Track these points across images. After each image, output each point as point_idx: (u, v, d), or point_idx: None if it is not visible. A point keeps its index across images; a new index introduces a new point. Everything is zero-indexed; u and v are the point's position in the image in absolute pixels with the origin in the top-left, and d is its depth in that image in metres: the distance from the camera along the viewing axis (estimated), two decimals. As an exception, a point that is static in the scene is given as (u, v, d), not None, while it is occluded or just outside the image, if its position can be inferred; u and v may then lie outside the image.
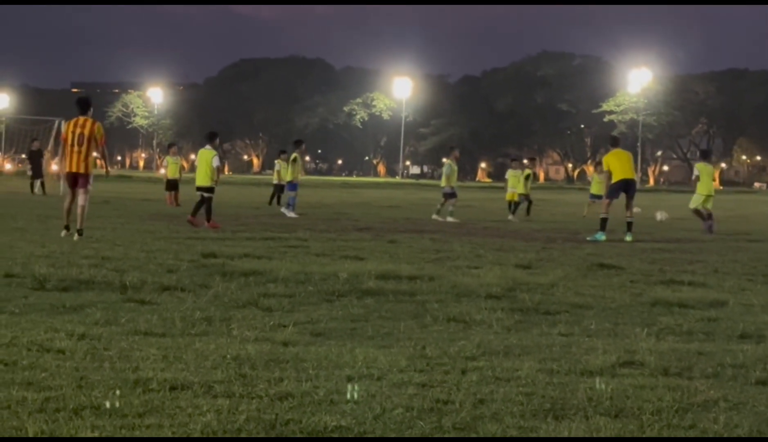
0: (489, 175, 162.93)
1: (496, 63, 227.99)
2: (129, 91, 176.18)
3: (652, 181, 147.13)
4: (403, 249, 17.34)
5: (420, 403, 5.94)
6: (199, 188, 22.98)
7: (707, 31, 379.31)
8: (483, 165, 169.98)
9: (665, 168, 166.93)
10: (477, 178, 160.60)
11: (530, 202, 32.84)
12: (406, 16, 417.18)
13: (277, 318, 9.04)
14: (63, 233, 17.79)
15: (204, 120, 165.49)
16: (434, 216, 29.78)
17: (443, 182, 30.64)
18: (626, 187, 22.58)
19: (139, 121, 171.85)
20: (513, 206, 32.39)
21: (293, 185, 30.34)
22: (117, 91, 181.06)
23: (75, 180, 17.99)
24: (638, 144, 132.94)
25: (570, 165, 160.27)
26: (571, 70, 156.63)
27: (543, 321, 9.25)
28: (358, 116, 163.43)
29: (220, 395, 6.04)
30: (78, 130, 17.96)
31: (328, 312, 9.54)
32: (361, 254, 15.71)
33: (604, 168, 23.17)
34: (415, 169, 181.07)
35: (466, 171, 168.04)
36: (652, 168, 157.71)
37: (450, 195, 30.05)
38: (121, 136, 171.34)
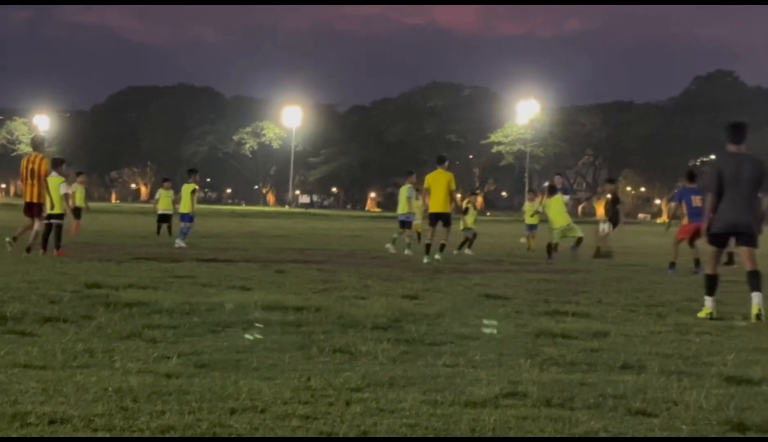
0: (379, 205, 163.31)
1: (386, 93, 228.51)
2: (14, 117, 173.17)
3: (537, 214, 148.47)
4: (290, 279, 17.30)
5: (303, 435, 5.92)
6: (49, 216, 22.60)
7: (593, 64, 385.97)
8: (373, 194, 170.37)
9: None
10: (366, 208, 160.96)
11: (474, 236, 31.54)
12: (296, 45, 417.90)
13: (161, 350, 8.93)
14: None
15: (91, 148, 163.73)
16: (388, 245, 29.33)
17: (401, 208, 29.83)
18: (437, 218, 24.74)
19: (24, 148, 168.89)
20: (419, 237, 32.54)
21: (190, 217, 29.98)
22: (1, 117, 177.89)
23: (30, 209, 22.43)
24: (526, 175, 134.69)
25: (458, 195, 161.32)
26: (460, 101, 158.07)
27: (428, 352, 9.27)
28: (247, 145, 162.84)
29: (101, 428, 5.94)
30: (30, 166, 22.23)
31: (213, 343, 9.45)
32: (248, 284, 15.63)
33: (425, 186, 25.02)
34: (305, 199, 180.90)
35: (356, 200, 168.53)
36: (539, 198, 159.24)
37: (406, 223, 29.40)
38: (6, 164, 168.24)
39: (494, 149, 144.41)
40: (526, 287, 17.21)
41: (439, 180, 24.85)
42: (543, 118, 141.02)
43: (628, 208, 29.36)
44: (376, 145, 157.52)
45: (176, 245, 28.02)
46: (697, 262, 22.32)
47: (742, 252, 13.92)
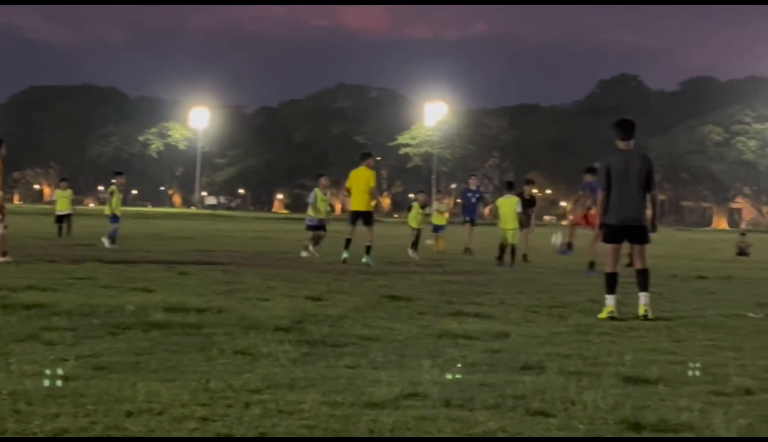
0: (286, 207, 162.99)
1: (294, 95, 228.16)
2: None
3: (446, 214, 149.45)
4: (193, 281, 17.16)
5: (201, 437, 5.87)
6: None
7: (500, 67, 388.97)
8: (280, 196, 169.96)
9: (459, 201, 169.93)
10: (273, 209, 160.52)
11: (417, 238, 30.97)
12: (202, 46, 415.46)
13: (58, 352, 8.78)
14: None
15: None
16: (304, 253, 28.23)
17: (309, 212, 29.45)
18: (357, 216, 25.09)
19: None
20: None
21: (115, 218, 29.78)
22: None
23: None
24: (433, 176, 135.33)
25: (378, 196, 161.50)
26: (368, 103, 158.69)
27: (330, 353, 9.24)
28: (153, 146, 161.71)
29: (-8, 432, 5.83)
30: None
31: (112, 345, 9.32)
32: (150, 286, 15.45)
33: (347, 185, 25.20)
34: (212, 200, 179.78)
35: (263, 202, 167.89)
36: (447, 200, 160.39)
37: (314, 227, 28.88)
38: None
39: (402, 151, 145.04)
40: (430, 289, 17.26)
41: (360, 177, 24.87)
42: (450, 121, 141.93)
43: (535, 211, 29.66)
44: (284, 146, 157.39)
45: (105, 246, 27.96)
46: (592, 264, 22.64)
47: (633, 250, 14.11)
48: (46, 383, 7.26)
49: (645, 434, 6.30)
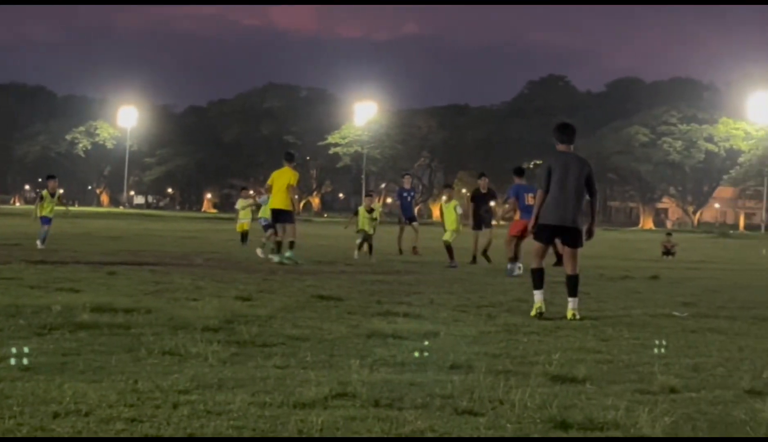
0: (215, 206, 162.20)
1: (223, 94, 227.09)
2: None
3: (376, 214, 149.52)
4: (121, 281, 17.03)
5: (128, 437, 5.84)
6: None
7: (430, 67, 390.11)
8: (209, 195, 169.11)
9: (389, 200, 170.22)
10: (203, 209, 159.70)
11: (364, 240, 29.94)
12: (131, 45, 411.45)
13: (-17, 353, 8.68)
14: None
15: None
16: (259, 250, 27.79)
17: (261, 213, 29.17)
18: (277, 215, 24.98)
19: None
20: (243, 237, 32.22)
21: (47, 219, 29.46)
22: None
23: None
24: (363, 176, 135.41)
25: (296, 196, 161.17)
26: (298, 102, 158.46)
27: (259, 353, 9.22)
28: (81, 145, 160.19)
29: None
30: None
31: (38, 346, 9.22)
32: (78, 286, 15.30)
33: (268, 183, 25.23)
34: (140, 200, 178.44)
35: (192, 201, 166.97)
36: (377, 200, 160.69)
37: (270, 226, 28.01)
38: None
39: (331, 151, 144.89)
40: (360, 288, 17.28)
41: (282, 177, 24.82)
42: (380, 121, 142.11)
43: (464, 211, 29.64)
44: (213, 146, 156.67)
45: (38, 247, 27.73)
46: (512, 260, 22.84)
47: (565, 253, 14.16)
48: (-29, 384, 7.18)
49: (572, 433, 6.36)
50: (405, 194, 34.35)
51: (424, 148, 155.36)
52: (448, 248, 26.65)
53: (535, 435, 6.27)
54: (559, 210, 13.81)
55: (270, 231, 27.82)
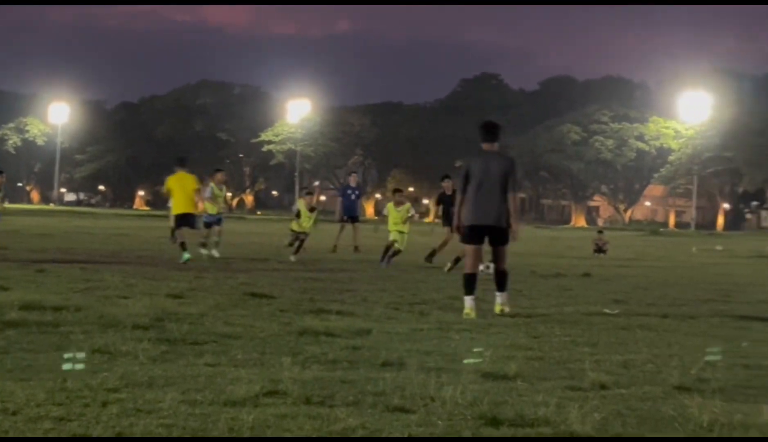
0: (147, 203, 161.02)
1: (156, 91, 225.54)
2: None
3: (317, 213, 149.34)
4: (50, 279, 16.84)
5: (56, 437, 5.77)
6: None
7: (364, 65, 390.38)
8: (141, 193, 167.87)
9: (323, 198, 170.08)
10: (135, 206, 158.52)
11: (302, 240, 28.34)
12: (61, 40, 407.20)
13: None
14: None
15: None
16: (202, 250, 26.27)
17: (206, 208, 27.09)
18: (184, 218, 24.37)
19: None
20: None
21: None
22: None
23: None
24: (296, 174, 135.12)
25: (229, 194, 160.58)
26: (231, 99, 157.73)
27: (190, 351, 9.17)
28: (10, 141, 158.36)
29: None
30: None
31: (-35, 345, 9.10)
32: (6, 284, 15.08)
33: (165, 189, 24.82)
34: (71, 197, 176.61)
35: (124, 198, 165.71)
36: (311, 199, 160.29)
37: (212, 223, 27.41)
38: None
39: (265, 148, 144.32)
40: (293, 286, 17.24)
41: (185, 182, 24.54)
42: (314, 118, 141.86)
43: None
44: (145, 142, 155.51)
45: None
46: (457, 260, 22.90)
47: (493, 252, 14.07)
48: None
49: (502, 430, 6.39)
50: (350, 192, 34.17)
51: (357, 146, 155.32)
52: (388, 248, 26.61)
53: (466, 432, 6.28)
54: (481, 210, 13.75)
55: (208, 230, 27.36)
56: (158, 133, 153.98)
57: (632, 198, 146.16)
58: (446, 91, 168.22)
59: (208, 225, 27.45)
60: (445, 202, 26.95)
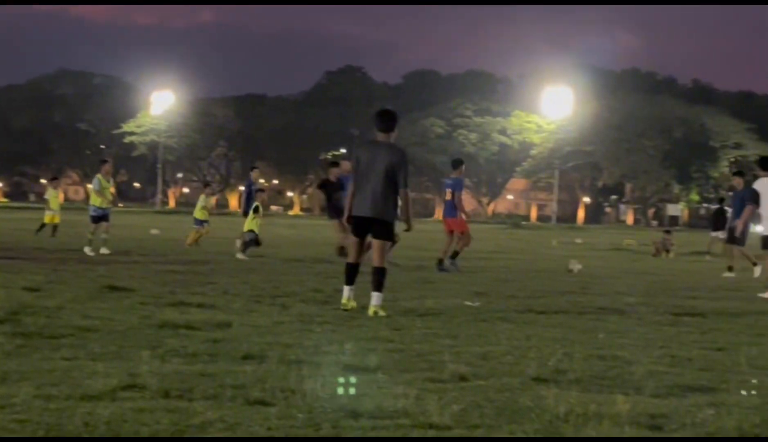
0: (5, 195, 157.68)
1: (13, 80, 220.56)
2: None
3: (172, 203, 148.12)
4: None
5: None
6: None
7: (227, 56, 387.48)
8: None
9: (186, 190, 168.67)
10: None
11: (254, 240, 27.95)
12: None
13: None
14: None
15: None
16: (86, 248, 24.99)
17: (92, 201, 26.50)
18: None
19: None
20: (52, 229, 31.34)
21: None
22: None
23: None
24: (159, 166, 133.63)
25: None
26: (91, 89, 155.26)
27: (46, 345, 8.99)
28: None
29: None
30: None
31: None
32: None
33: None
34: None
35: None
36: (173, 190, 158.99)
37: (99, 218, 26.02)
38: None
39: (127, 139, 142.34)
40: (153, 279, 17.05)
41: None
42: (177, 110, 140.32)
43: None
44: (2, 133, 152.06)
45: None
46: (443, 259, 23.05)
47: (372, 245, 13.67)
48: None
49: (362, 422, 6.39)
50: (254, 187, 33.73)
51: (221, 138, 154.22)
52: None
53: (326, 424, 6.27)
54: (366, 201, 13.34)
55: (96, 226, 26.09)
56: (16, 123, 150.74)
57: (495, 191, 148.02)
58: (311, 83, 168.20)
59: (96, 220, 26.16)
60: (329, 190, 26.84)
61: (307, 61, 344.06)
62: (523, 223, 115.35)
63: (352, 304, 13.30)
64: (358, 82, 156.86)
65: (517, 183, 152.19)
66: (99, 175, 26.73)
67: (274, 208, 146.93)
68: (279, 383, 7.42)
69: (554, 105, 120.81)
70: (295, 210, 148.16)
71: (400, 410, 6.66)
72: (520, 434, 6.17)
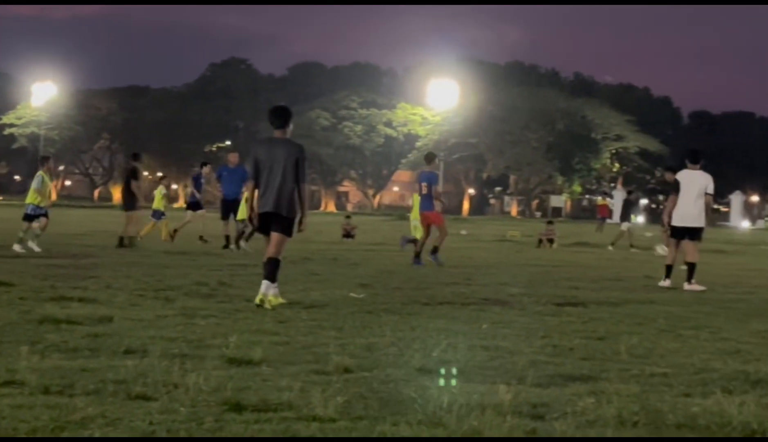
0: None
1: None
2: None
3: (54, 196, 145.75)
4: None
5: None
6: None
7: (109, 47, 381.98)
8: None
9: (68, 183, 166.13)
10: None
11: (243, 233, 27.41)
12: None
13: None
14: None
15: None
16: (16, 246, 23.48)
17: (30, 199, 24.75)
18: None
19: None
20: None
21: None
22: None
23: None
24: (40, 158, 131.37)
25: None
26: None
27: None
28: None
29: None
30: None
31: None
32: None
33: None
34: None
35: None
36: (55, 183, 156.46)
37: (34, 216, 24.44)
38: None
39: (6, 131, 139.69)
40: (33, 273, 16.75)
41: None
42: (59, 101, 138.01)
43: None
44: None
45: None
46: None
47: (271, 238, 13.62)
48: None
49: (246, 415, 6.37)
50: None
51: (104, 130, 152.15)
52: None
53: (209, 418, 6.23)
54: (266, 197, 13.49)
55: (29, 224, 24.33)
56: None
57: (381, 183, 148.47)
58: (195, 75, 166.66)
59: (29, 218, 24.44)
60: (200, 184, 26.63)
61: (191, 54, 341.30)
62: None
63: (276, 300, 13.14)
64: (242, 74, 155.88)
65: (403, 175, 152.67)
66: (42, 172, 25.05)
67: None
68: (161, 377, 7.36)
69: (439, 97, 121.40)
70: (180, 203, 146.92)
71: (284, 403, 6.65)
72: (403, 426, 6.20)
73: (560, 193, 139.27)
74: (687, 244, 19.55)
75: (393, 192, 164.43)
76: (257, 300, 13.00)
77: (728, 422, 6.46)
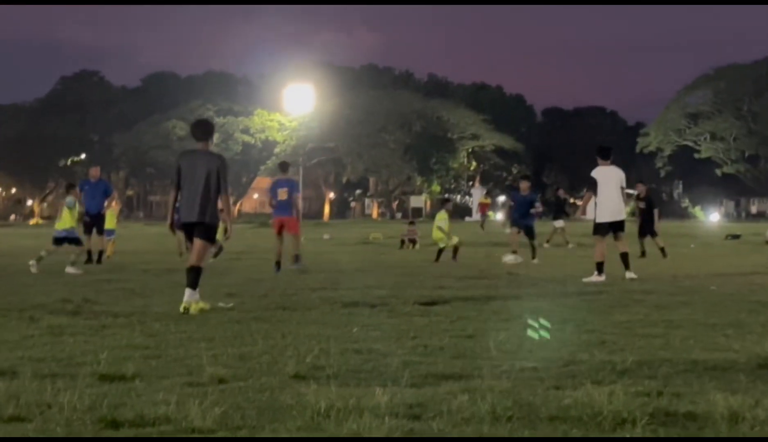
0: None
1: None
2: None
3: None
4: None
5: None
6: None
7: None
8: None
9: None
10: None
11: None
12: None
13: None
14: None
15: None
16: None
17: (62, 223, 24.28)
18: None
19: None
20: None
21: None
22: None
23: None
24: None
25: None
26: None
27: None
28: None
29: None
30: None
31: None
32: None
33: None
34: None
35: None
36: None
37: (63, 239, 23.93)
38: None
39: None
40: None
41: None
42: None
43: None
44: None
45: None
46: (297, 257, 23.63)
47: (194, 245, 14.44)
48: None
49: (123, 432, 6.33)
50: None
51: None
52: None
53: (87, 435, 6.18)
54: (187, 207, 14.27)
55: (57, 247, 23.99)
56: None
57: (240, 191, 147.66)
58: (46, 89, 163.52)
59: (59, 241, 24.13)
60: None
61: (40, 67, 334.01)
62: (270, 221, 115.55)
63: (197, 306, 13.79)
64: (95, 87, 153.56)
65: (263, 181, 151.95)
66: None
67: (13, 217, 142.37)
68: (34, 398, 7.26)
69: (296, 103, 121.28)
70: (35, 220, 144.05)
71: (162, 417, 6.62)
72: (283, 433, 6.23)
73: (420, 193, 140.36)
74: (619, 236, 20.44)
75: (253, 199, 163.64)
76: (182, 308, 13.62)
77: (599, 412, 6.63)
